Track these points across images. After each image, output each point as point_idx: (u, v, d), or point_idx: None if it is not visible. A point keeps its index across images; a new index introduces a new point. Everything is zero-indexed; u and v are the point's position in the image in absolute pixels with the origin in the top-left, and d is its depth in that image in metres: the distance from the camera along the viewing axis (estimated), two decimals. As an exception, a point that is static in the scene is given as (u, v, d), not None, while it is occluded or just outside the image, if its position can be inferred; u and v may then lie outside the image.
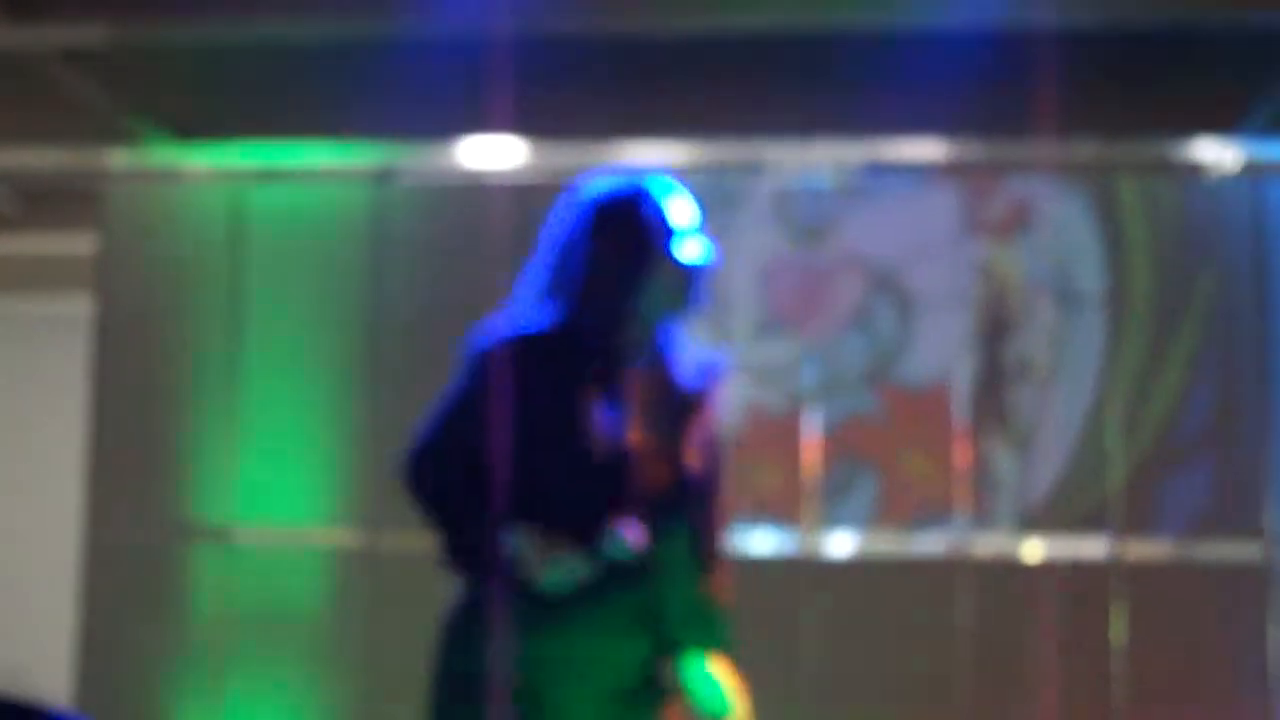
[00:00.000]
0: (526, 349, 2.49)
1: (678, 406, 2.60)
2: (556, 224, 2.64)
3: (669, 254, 2.56)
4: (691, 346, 2.66)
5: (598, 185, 2.64)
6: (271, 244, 5.32)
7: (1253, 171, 5.11)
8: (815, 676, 4.92)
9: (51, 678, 5.82)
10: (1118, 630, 4.87)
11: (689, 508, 2.59)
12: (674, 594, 2.55)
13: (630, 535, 2.45)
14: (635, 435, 2.54)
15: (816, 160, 5.21)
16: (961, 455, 5.03)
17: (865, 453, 5.11)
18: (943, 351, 5.13)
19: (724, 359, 2.69)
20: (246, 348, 5.28)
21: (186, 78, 5.22)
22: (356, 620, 5.07)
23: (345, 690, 5.10)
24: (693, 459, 2.60)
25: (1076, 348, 5.07)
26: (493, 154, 5.24)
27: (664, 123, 5.20)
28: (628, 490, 2.51)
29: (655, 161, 5.21)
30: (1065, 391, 5.05)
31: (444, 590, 2.60)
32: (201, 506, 5.25)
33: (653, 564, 2.51)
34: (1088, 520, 4.96)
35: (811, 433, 5.08)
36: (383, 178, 5.31)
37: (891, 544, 5.00)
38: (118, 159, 5.49)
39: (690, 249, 2.59)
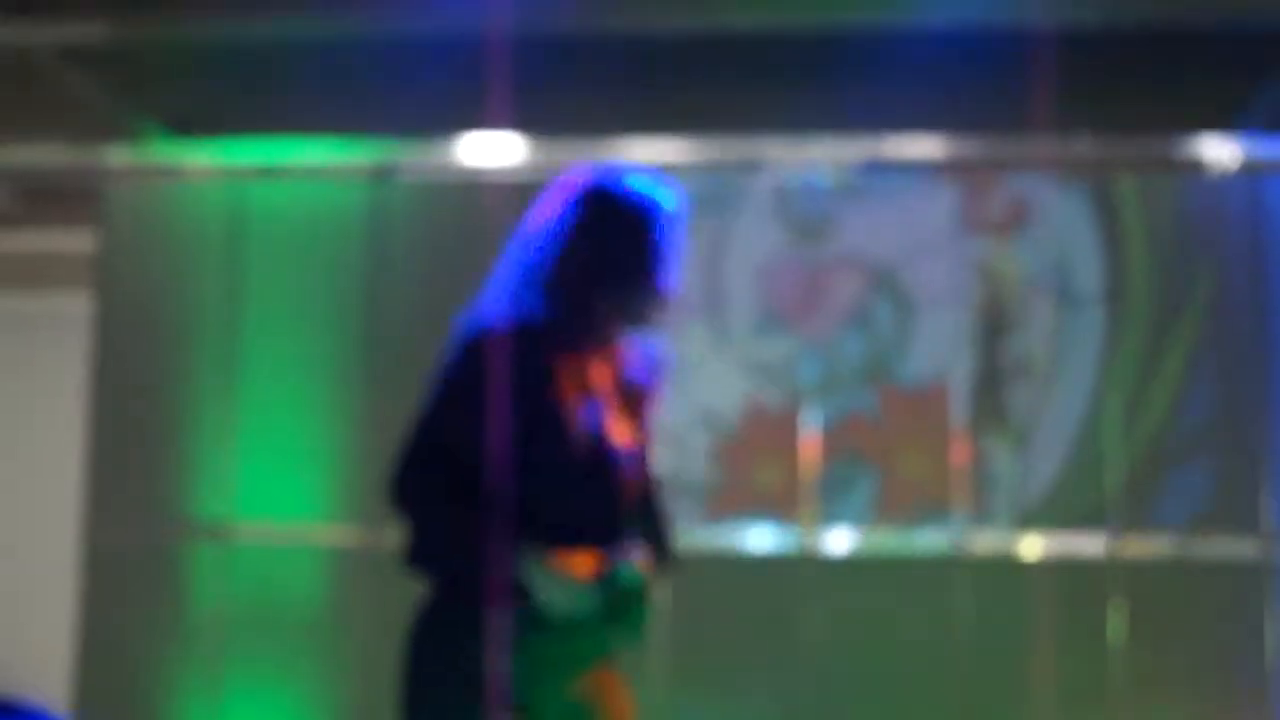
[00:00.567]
0: (511, 342, 2.46)
1: (632, 400, 2.60)
2: (539, 215, 2.63)
3: (651, 247, 2.56)
4: (636, 338, 2.65)
5: (582, 177, 2.63)
6: (271, 241, 5.32)
7: (1251, 169, 5.11)
8: (813, 674, 4.92)
9: (51, 676, 5.82)
10: (1116, 628, 4.87)
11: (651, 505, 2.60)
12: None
13: (640, 562, 2.45)
14: (619, 432, 2.54)
15: (815, 158, 5.21)
16: (960, 453, 5.03)
17: (864, 451, 5.11)
18: (941, 350, 5.13)
19: (666, 351, 2.69)
20: (246, 345, 5.28)
21: (186, 75, 5.22)
22: (356, 618, 5.07)
23: (345, 688, 5.10)
24: (651, 454, 2.60)
25: (1074, 346, 5.07)
26: (492, 151, 5.24)
27: (663, 120, 5.21)
28: (620, 495, 2.50)
29: (654, 158, 5.21)
30: (1063, 389, 5.05)
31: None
32: (201, 504, 5.25)
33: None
34: (1086, 518, 4.96)
35: (810, 430, 5.08)
36: (382, 175, 5.31)
37: (890, 542, 5.00)
38: (117, 156, 5.49)
39: (671, 243, 2.59)
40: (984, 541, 4.97)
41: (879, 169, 5.20)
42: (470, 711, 2.41)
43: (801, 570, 5.00)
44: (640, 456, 2.59)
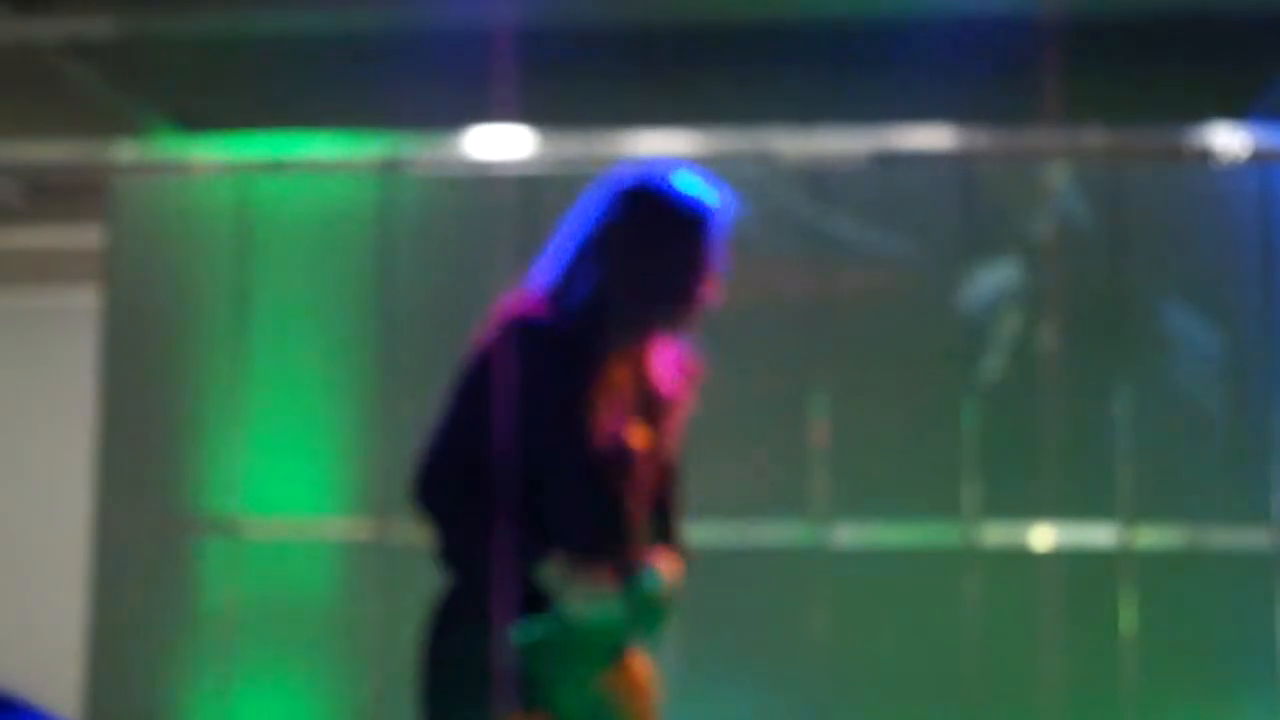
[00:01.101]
0: (543, 340, 2.42)
1: (656, 405, 2.57)
2: (584, 211, 2.58)
3: (696, 253, 2.52)
4: (666, 342, 2.62)
5: (629, 175, 2.57)
6: (279, 235, 5.32)
7: (1261, 158, 5.09)
8: (823, 665, 4.92)
9: (61, 670, 5.83)
10: (1127, 618, 4.87)
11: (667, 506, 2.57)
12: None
13: (665, 571, 2.43)
14: (637, 436, 2.51)
15: (824, 149, 5.20)
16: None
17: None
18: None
19: (699, 354, 2.65)
20: (254, 339, 5.28)
21: (193, 70, 5.22)
22: (366, 612, 5.07)
23: (355, 682, 5.10)
24: (672, 458, 2.58)
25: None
26: (500, 144, 5.23)
27: (671, 112, 5.20)
28: (634, 500, 2.49)
29: (663, 151, 5.20)
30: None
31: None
32: (210, 498, 5.25)
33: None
34: (1097, 508, 4.95)
35: (821, 420, 5.07)
36: (390, 168, 5.30)
37: (899, 533, 5.00)
38: (125, 151, 5.48)
39: (716, 248, 2.55)
40: (994, 532, 4.96)
41: (887, 160, 5.19)
42: (486, 707, 2.41)
43: (811, 561, 5.00)
44: (659, 461, 2.56)
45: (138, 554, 5.26)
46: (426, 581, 2.61)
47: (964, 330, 5.06)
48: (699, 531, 5.00)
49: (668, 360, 2.60)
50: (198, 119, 5.50)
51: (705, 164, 5.23)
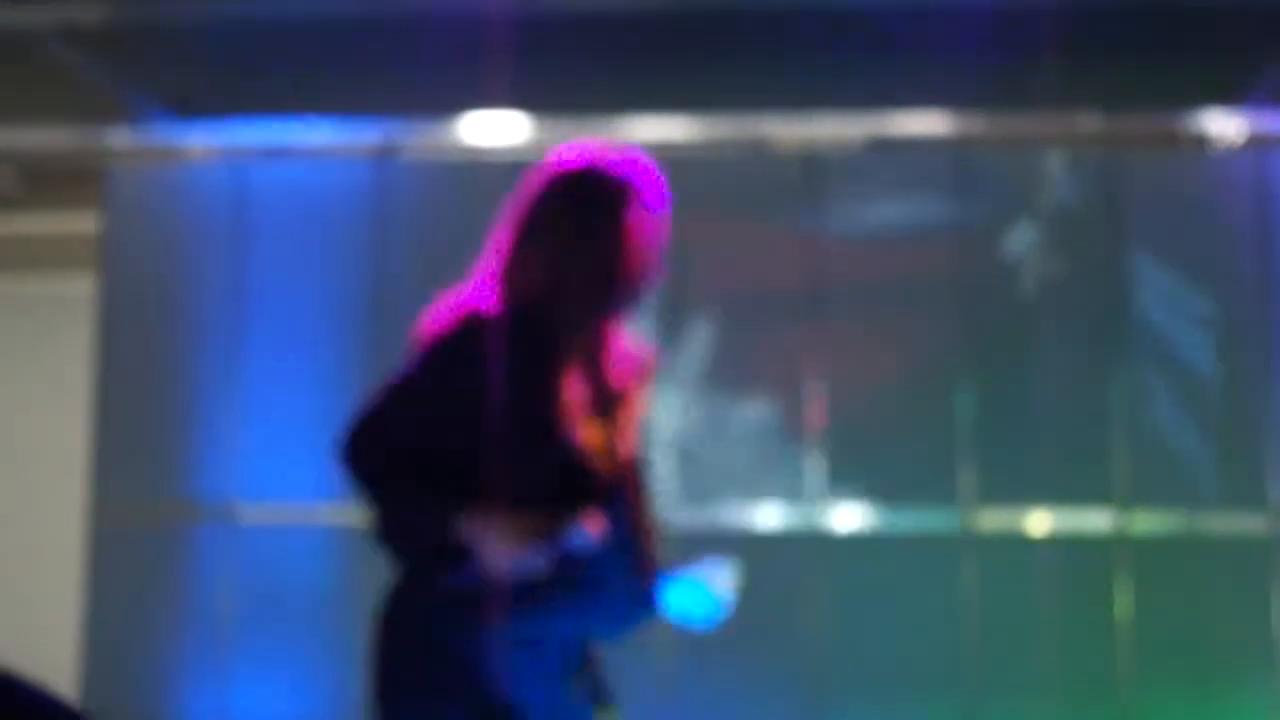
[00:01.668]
0: (485, 329, 2.40)
1: (610, 400, 2.54)
2: (518, 199, 2.57)
3: (631, 230, 2.49)
4: (624, 332, 2.59)
5: (561, 158, 2.56)
6: (273, 221, 5.31)
7: (1257, 143, 5.09)
8: (819, 651, 4.92)
9: (57, 658, 5.83)
10: (1123, 604, 4.87)
11: (624, 501, 2.52)
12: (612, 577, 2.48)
13: (592, 528, 2.37)
14: (585, 423, 2.46)
15: (819, 135, 5.20)
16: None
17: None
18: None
19: (654, 349, 2.62)
20: (250, 325, 5.27)
21: (187, 55, 5.21)
22: (362, 598, 5.06)
23: (351, 668, 5.10)
24: (627, 450, 2.54)
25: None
26: (495, 130, 5.23)
27: (666, 98, 5.19)
28: (585, 479, 2.44)
29: (657, 136, 5.20)
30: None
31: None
32: (206, 485, 5.25)
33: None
34: (1093, 493, 4.96)
35: (818, 406, 5.07)
36: (385, 154, 5.29)
37: (897, 518, 5.00)
38: (119, 137, 5.47)
39: (653, 225, 2.53)
40: (991, 518, 4.97)
41: (883, 145, 5.19)
42: (444, 705, 2.38)
43: (808, 547, 5.00)
44: (612, 458, 2.52)
45: (134, 540, 5.26)
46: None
47: (963, 316, 5.06)
48: (694, 515, 5.02)
49: (622, 351, 2.58)
50: (193, 105, 5.48)
51: (700, 150, 5.24)
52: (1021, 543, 4.95)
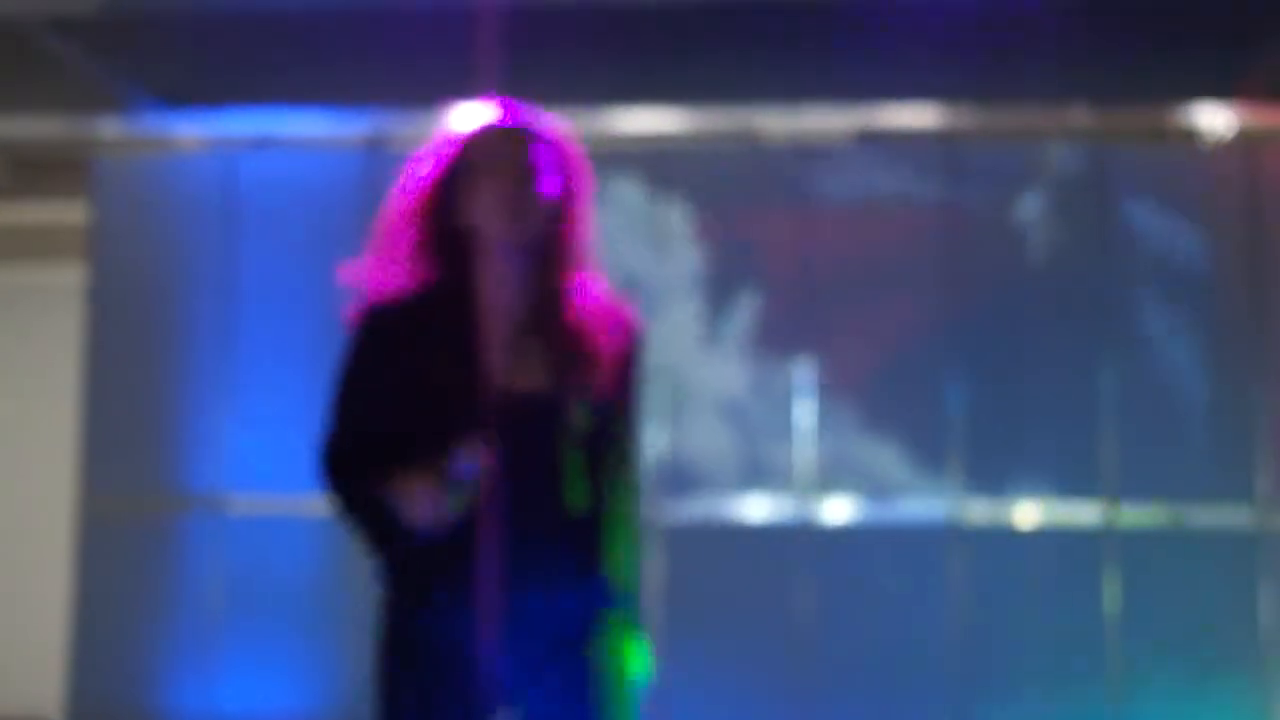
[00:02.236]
0: (386, 314, 2.68)
1: (571, 350, 2.54)
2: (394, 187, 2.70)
3: (477, 165, 2.66)
4: (606, 298, 2.61)
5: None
6: (263, 212, 5.31)
7: (1247, 138, 5.10)
8: (808, 643, 4.93)
9: (45, 647, 5.82)
10: (1111, 596, 4.88)
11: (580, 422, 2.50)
12: (615, 550, 2.48)
13: (473, 453, 2.36)
14: (489, 354, 2.51)
15: (809, 127, 5.20)
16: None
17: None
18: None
19: (636, 314, 2.64)
20: (238, 316, 5.27)
21: (177, 46, 5.19)
22: (350, 589, 5.07)
23: (339, 660, 5.10)
24: (586, 391, 2.52)
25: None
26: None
27: (655, 89, 5.18)
28: (471, 406, 2.45)
29: (647, 128, 5.19)
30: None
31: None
32: (195, 476, 5.25)
33: (581, 510, 2.45)
34: (1081, 486, 4.97)
35: (809, 396, 5.08)
36: (374, 145, 5.29)
37: (884, 510, 5.01)
38: (108, 128, 5.46)
39: (506, 158, 2.66)
40: (979, 510, 4.97)
41: (873, 138, 5.19)
42: (415, 689, 2.43)
43: (797, 539, 5.01)
44: (543, 400, 2.51)
45: (122, 530, 5.25)
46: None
47: (951, 309, 5.07)
48: (683, 508, 5.02)
49: (600, 312, 2.58)
50: (182, 95, 5.47)
51: (690, 141, 5.24)
52: (1010, 535, 4.96)
